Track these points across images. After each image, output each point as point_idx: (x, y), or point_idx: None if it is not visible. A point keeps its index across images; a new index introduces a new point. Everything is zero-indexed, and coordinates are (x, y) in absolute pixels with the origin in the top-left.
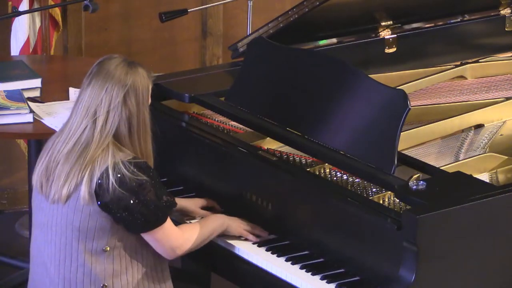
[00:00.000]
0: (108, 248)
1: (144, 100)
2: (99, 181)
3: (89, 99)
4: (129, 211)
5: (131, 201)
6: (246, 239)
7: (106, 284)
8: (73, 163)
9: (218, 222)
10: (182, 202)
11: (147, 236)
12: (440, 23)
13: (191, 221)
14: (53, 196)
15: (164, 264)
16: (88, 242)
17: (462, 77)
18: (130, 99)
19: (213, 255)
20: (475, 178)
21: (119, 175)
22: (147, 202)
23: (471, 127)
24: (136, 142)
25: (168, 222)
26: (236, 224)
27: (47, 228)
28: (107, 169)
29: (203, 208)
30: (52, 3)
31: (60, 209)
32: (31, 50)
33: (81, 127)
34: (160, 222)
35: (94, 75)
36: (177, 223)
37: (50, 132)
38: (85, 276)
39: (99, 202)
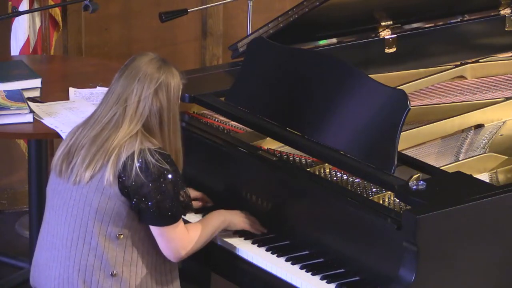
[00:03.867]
0: (122, 236)
1: (175, 97)
2: (124, 165)
3: (121, 88)
4: (145, 199)
5: (150, 189)
6: (245, 239)
7: (115, 272)
8: (99, 146)
9: (220, 220)
10: None
11: (155, 230)
12: (440, 23)
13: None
14: (75, 178)
15: (173, 264)
16: (104, 225)
17: (462, 77)
18: (162, 93)
19: (213, 255)
20: (475, 178)
21: (144, 161)
22: (164, 193)
23: (471, 127)
24: (166, 135)
25: (180, 223)
26: (237, 219)
27: (62, 210)
28: (133, 154)
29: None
30: (52, 3)
31: (80, 190)
32: (31, 50)
33: (110, 113)
34: (172, 220)
35: (127, 67)
36: None
37: (50, 132)
38: (96, 259)
39: (120, 185)
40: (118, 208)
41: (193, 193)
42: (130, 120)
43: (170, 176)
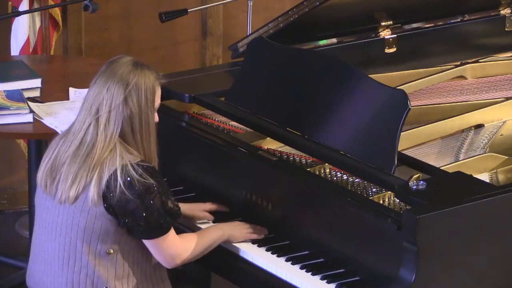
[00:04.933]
0: (112, 251)
1: (148, 101)
2: (108, 183)
3: (92, 98)
4: (133, 216)
5: (136, 205)
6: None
7: (108, 287)
8: (81, 164)
9: (218, 233)
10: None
11: (147, 243)
12: (440, 23)
13: (199, 225)
14: (60, 196)
15: (163, 274)
16: (93, 244)
17: (462, 77)
18: (131, 99)
19: (213, 255)
20: (475, 178)
21: (128, 178)
22: (152, 207)
23: (471, 127)
24: (139, 142)
25: (171, 232)
26: (238, 232)
27: (51, 227)
28: (115, 172)
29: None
30: (52, 3)
31: (66, 209)
32: (31, 50)
33: (84, 125)
34: (163, 232)
35: (100, 74)
36: (185, 228)
37: (50, 132)
38: (88, 277)
39: (105, 204)
40: (106, 226)
41: (206, 206)
42: (104, 131)
43: (155, 190)
